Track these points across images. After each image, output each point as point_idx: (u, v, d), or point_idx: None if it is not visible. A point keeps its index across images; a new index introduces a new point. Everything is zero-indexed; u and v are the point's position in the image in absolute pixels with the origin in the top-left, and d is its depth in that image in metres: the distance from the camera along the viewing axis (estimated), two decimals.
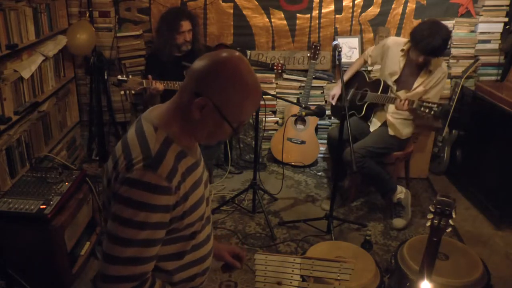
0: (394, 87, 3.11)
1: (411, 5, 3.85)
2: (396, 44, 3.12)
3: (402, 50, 3.05)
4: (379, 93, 3.10)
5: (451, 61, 3.92)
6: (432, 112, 2.70)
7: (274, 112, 4.12)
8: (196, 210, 1.25)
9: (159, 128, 1.19)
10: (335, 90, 3.35)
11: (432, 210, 1.73)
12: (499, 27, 3.82)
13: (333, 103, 3.36)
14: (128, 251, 1.12)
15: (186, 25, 3.37)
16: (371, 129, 3.23)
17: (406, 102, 2.83)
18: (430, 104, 2.72)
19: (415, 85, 3.03)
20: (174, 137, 1.20)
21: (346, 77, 3.33)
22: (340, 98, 3.30)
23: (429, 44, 2.78)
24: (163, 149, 1.16)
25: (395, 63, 3.10)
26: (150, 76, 3.17)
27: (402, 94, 3.06)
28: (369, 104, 3.17)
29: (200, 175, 1.29)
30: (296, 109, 3.77)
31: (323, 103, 4.04)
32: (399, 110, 2.94)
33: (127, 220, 1.11)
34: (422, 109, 2.75)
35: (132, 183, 1.11)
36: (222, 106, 1.17)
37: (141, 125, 1.22)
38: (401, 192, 3.17)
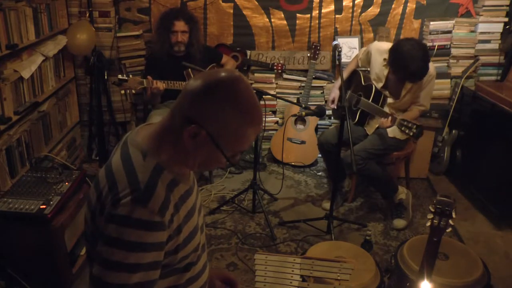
0: (386, 92, 3.11)
1: (411, 5, 3.86)
2: (379, 51, 3.09)
3: (385, 59, 3.01)
4: (371, 99, 3.08)
5: (451, 61, 3.92)
6: (411, 133, 2.70)
7: (274, 112, 4.12)
8: (191, 241, 1.14)
9: (148, 154, 1.07)
10: (333, 93, 3.33)
11: (432, 210, 1.73)
12: (499, 27, 3.82)
13: (335, 107, 3.33)
14: None
15: (179, 25, 3.38)
16: (369, 132, 3.22)
17: (389, 119, 2.83)
18: (410, 125, 2.72)
19: (403, 93, 3.04)
20: (165, 164, 1.07)
21: (336, 85, 3.33)
22: (339, 100, 3.29)
23: (409, 71, 2.78)
24: (153, 179, 1.03)
25: (379, 71, 3.10)
26: (149, 77, 3.17)
27: (392, 103, 3.08)
28: (362, 111, 3.17)
29: (193, 203, 1.18)
30: (296, 109, 3.76)
31: (323, 103, 4.04)
32: (382, 127, 2.95)
33: (117, 263, 0.98)
34: (402, 128, 2.76)
35: (120, 221, 0.98)
36: (217, 135, 1.04)
37: (127, 151, 1.09)
38: (403, 193, 3.17)
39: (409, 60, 2.75)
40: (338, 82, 3.31)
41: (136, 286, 1.00)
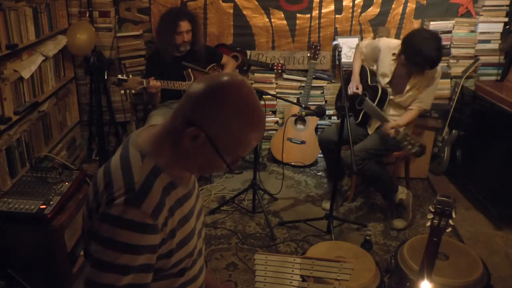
0: (389, 90, 3.11)
1: (411, 5, 3.86)
2: (388, 47, 3.08)
3: (394, 54, 3.01)
4: (376, 101, 3.06)
5: (451, 61, 3.92)
6: (413, 151, 2.70)
7: (274, 112, 4.12)
8: (185, 245, 1.12)
9: (147, 156, 1.06)
10: (354, 83, 3.24)
11: (432, 210, 1.73)
12: (499, 27, 3.83)
13: (360, 93, 3.22)
14: None
15: (184, 25, 3.35)
16: (370, 132, 3.21)
17: (393, 131, 2.82)
18: (413, 141, 2.72)
19: (407, 87, 3.03)
20: (163, 167, 1.07)
21: (355, 72, 3.29)
22: (348, 95, 3.24)
23: (423, 55, 2.76)
24: (149, 180, 1.03)
25: (386, 66, 3.09)
26: (152, 78, 3.17)
27: (393, 99, 3.08)
28: (366, 112, 3.16)
29: (191, 207, 1.17)
30: (296, 109, 3.77)
31: (323, 103, 4.04)
32: (383, 133, 2.93)
33: (108, 264, 0.97)
34: (405, 143, 2.75)
35: (112, 221, 0.98)
36: (217, 139, 1.03)
37: (127, 151, 1.09)
38: (403, 193, 3.17)
39: (424, 44, 2.73)
40: (356, 68, 3.27)
41: None
